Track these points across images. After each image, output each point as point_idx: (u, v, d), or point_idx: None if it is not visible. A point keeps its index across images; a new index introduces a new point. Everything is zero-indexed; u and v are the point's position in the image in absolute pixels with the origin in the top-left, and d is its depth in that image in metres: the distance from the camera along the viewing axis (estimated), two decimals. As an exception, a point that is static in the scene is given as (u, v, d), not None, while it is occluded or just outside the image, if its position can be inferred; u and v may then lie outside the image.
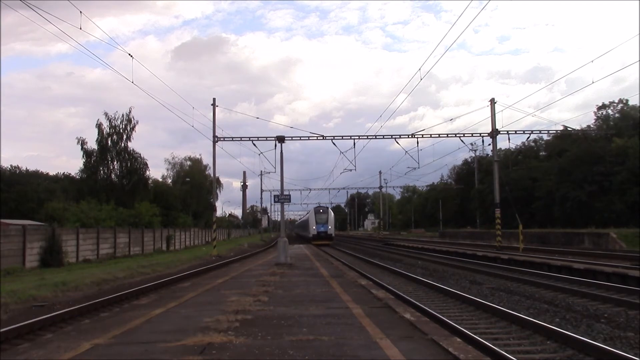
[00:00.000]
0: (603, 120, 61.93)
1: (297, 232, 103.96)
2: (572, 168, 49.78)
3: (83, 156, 52.41)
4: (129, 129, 53.88)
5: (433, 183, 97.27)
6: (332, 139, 34.33)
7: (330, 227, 55.42)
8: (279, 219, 55.06)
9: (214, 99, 33.36)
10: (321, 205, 66.78)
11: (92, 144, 52.79)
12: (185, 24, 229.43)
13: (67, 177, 68.34)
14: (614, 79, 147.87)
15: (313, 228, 54.91)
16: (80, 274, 20.21)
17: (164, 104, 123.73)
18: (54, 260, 26.29)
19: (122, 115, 53.67)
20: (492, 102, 31.69)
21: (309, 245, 49.38)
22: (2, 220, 34.82)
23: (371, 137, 35.45)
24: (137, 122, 54.65)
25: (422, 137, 34.31)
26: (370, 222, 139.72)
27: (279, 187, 27.27)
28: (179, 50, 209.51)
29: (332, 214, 58.64)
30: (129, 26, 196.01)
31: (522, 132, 34.57)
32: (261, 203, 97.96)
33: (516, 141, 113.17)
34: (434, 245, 41.15)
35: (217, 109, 33.30)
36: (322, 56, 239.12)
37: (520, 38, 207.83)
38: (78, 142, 52.26)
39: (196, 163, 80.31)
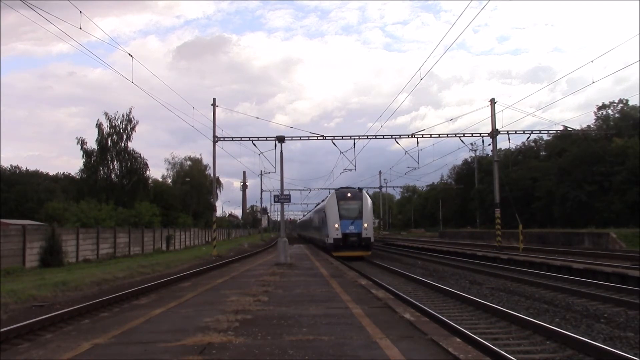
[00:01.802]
0: (603, 120, 61.99)
1: (302, 233, 76.17)
2: (572, 168, 49.81)
3: (83, 156, 52.74)
4: (129, 129, 54.18)
5: (433, 183, 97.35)
6: (332, 139, 34.28)
7: (367, 225, 31.17)
8: (279, 219, 53.26)
9: (214, 99, 33.39)
10: (347, 187, 34.58)
11: (92, 144, 53.13)
12: (186, 23, 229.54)
13: (67, 177, 68.55)
14: (616, 78, 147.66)
15: (335, 227, 31.06)
16: (80, 274, 20.19)
17: (164, 104, 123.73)
18: (54, 260, 26.32)
19: (122, 115, 54.06)
20: (492, 102, 31.68)
21: (309, 245, 48.01)
22: (2, 220, 34.87)
23: (371, 137, 35.34)
24: (137, 122, 55.08)
25: (422, 137, 34.19)
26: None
27: (279, 187, 27.08)
28: (180, 50, 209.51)
29: (368, 200, 32.90)
30: (130, 26, 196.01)
31: (522, 132, 34.54)
32: (261, 203, 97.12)
33: (516, 141, 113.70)
34: (433, 245, 41.11)
35: (217, 109, 33.35)
36: (322, 56, 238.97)
37: (520, 38, 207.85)
38: (78, 142, 52.59)
39: (196, 163, 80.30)
